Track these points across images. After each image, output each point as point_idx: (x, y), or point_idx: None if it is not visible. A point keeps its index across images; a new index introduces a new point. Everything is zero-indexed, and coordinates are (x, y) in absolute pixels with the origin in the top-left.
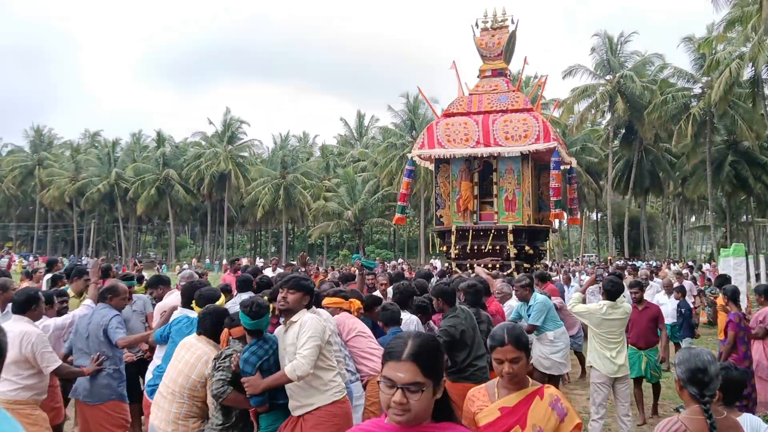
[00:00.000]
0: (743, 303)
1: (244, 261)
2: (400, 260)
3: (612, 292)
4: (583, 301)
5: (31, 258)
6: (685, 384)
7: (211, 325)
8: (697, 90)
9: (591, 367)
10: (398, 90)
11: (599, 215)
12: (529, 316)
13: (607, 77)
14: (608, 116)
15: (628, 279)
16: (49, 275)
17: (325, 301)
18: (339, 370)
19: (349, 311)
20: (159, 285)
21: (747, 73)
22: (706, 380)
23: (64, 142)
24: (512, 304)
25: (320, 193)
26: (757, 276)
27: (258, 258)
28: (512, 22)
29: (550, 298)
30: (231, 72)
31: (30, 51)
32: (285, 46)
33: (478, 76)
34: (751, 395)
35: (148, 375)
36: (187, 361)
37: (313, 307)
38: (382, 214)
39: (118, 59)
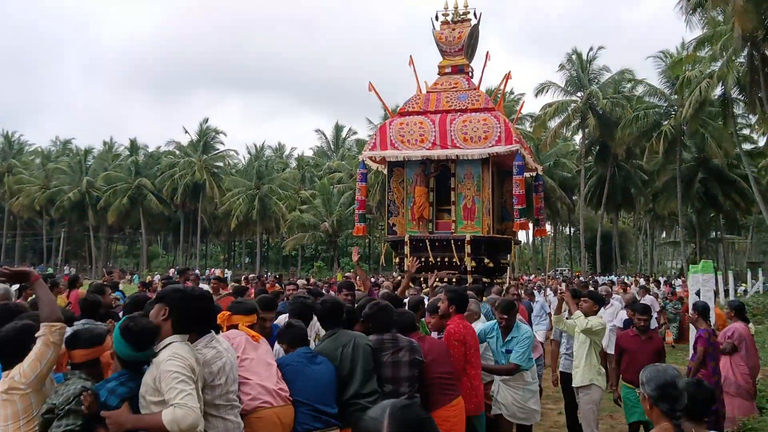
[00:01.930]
0: (711, 319)
1: (216, 272)
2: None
3: (602, 300)
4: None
5: None
6: (656, 401)
7: (14, 350)
8: (667, 107)
9: (591, 385)
10: (378, 103)
11: (572, 230)
12: (506, 351)
13: (578, 94)
14: (580, 132)
15: (615, 297)
16: (16, 285)
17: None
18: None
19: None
20: None
21: (718, 92)
22: (676, 395)
23: (35, 149)
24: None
25: (295, 205)
26: (726, 292)
27: (225, 270)
28: (475, 15)
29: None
30: (208, 83)
31: (8, 56)
32: (263, 59)
33: (437, 73)
34: (719, 411)
35: None
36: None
37: (212, 333)
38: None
39: (95, 68)
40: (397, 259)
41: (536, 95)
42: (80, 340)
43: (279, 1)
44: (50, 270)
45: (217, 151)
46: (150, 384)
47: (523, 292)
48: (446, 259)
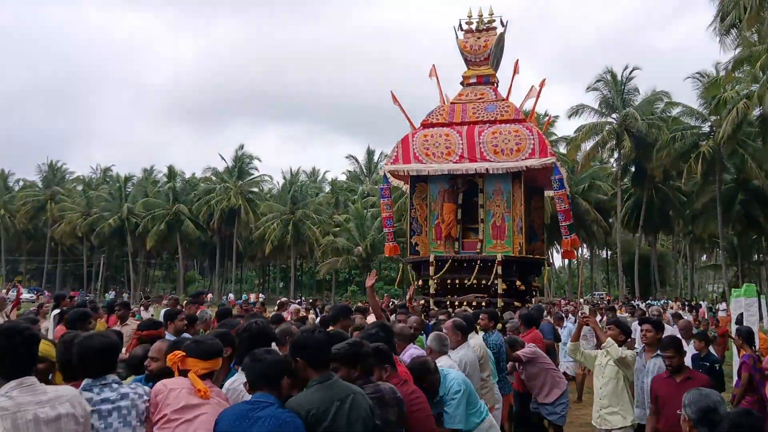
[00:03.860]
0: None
1: (252, 297)
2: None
3: (629, 330)
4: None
5: (37, 293)
6: (695, 424)
7: None
8: (705, 128)
9: (629, 427)
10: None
11: (609, 253)
12: (444, 412)
13: (613, 115)
14: (616, 154)
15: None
16: (56, 311)
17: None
18: None
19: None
20: None
21: (756, 112)
22: (717, 420)
23: (76, 177)
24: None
25: (329, 229)
26: None
27: (259, 295)
28: (501, 23)
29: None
30: (246, 113)
31: (55, 89)
32: (299, 89)
33: (461, 83)
34: None
35: None
36: None
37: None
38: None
39: (138, 98)
40: (420, 282)
41: (570, 117)
42: None
43: (314, 32)
44: (89, 296)
45: (252, 177)
46: None
47: (551, 317)
48: (474, 282)
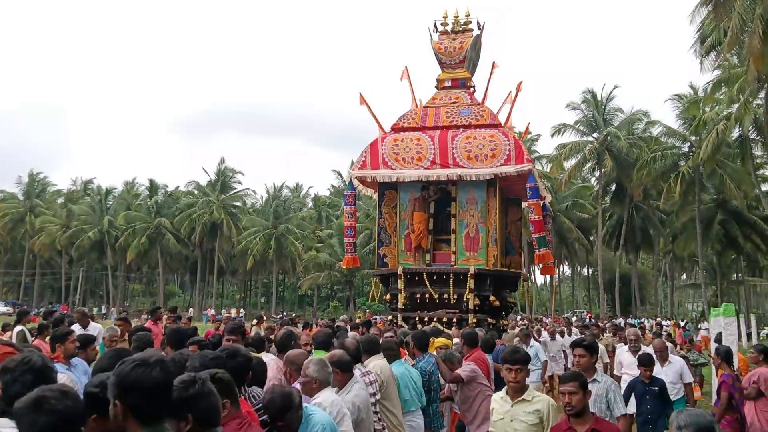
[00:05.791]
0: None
1: (233, 311)
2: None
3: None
4: None
5: (14, 306)
6: None
7: None
8: (685, 149)
9: None
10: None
11: (590, 271)
12: None
13: (594, 135)
14: (597, 173)
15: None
16: (18, 327)
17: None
18: None
19: None
20: None
21: (735, 133)
22: None
23: (57, 190)
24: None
25: (312, 244)
26: (749, 335)
27: (240, 309)
28: (478, 26)
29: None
30: (233, 130)
31: (42, 102)
32: (287, 106)
33: (435, 87)
34: None
35: None
36: None
37: None
38: (373, 266)
39: (124, 115)
40: (388, 296)
41: (552, 136)
42: None
43: (301, 48)
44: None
45: (235, 191)
46: None
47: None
48: (445, 296)
